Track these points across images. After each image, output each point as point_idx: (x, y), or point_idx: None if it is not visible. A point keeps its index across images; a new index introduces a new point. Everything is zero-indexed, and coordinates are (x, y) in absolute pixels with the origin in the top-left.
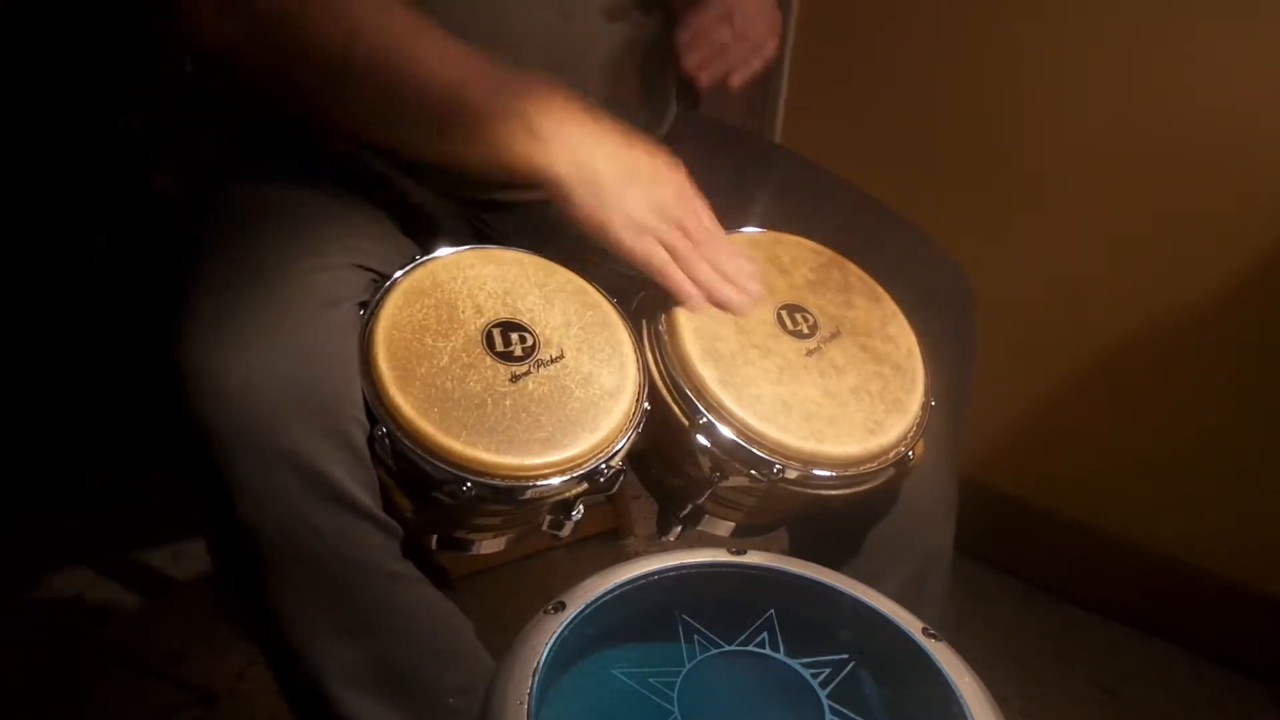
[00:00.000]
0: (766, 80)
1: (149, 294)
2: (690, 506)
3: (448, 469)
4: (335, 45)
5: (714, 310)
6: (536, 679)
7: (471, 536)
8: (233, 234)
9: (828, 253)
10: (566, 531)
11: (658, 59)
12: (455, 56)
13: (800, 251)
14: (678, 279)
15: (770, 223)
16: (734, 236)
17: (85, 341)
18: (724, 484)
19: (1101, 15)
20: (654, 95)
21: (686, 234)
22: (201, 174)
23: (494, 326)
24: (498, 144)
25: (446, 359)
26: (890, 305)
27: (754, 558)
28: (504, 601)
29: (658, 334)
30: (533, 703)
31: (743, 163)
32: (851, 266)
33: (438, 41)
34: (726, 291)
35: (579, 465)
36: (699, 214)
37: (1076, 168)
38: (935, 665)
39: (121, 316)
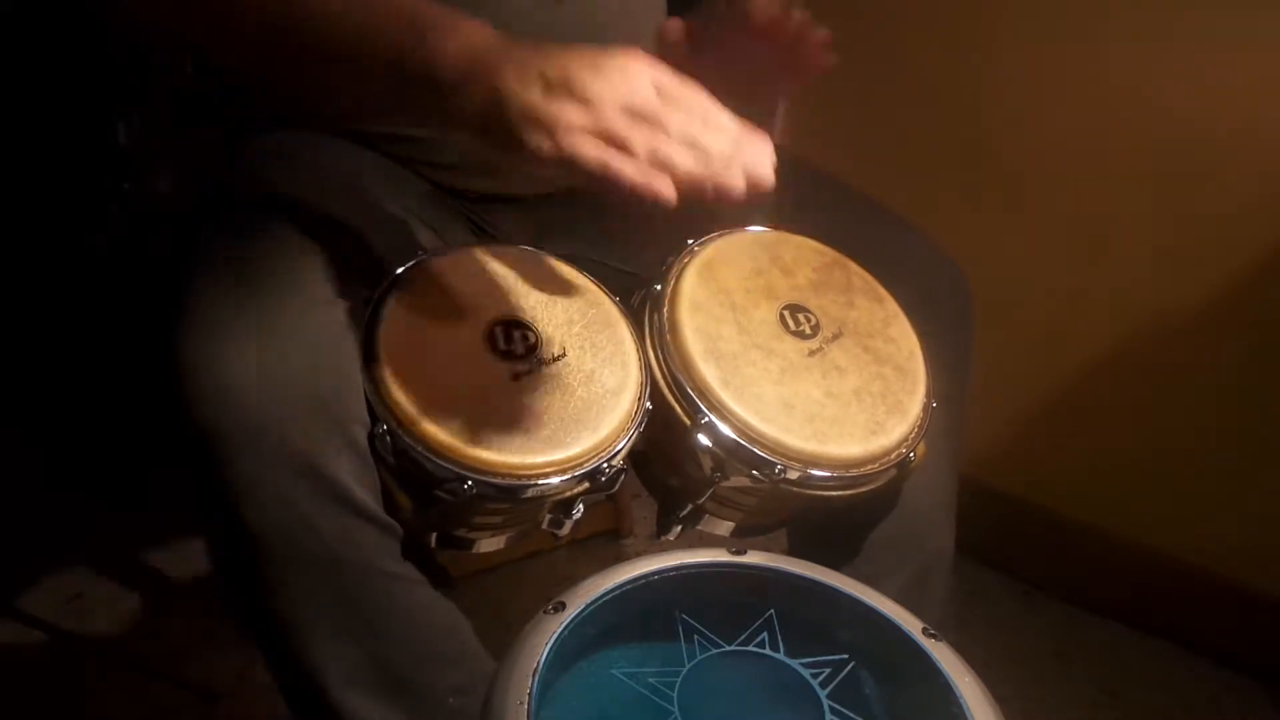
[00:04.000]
0: None
1: (149, 294)
2: (690, 506)
3: (449, 467)
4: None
5: (714, 310)
6: (536, 679)
7: (471, 535)
8: (232, 233)
9: (830, 253)
10: (566, 530)
11: (647, 49)
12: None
13: (803, 251)
14: (630, 180)
15: (769, 224)
16: (738, 234)
17: (85, 342)
18: (725, 484)
19: (1103, 16)
20: None
21: (641, 112)
22: (200, 174)
23: (496, 324)
24: (415, 96)
25: (448, 357)
26: (892, 306)
27: (754, 558)
28: (504, 601)
29: (660, 332)
30: (533, 703)
31: None
32: (854, 267)
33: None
34: (720, 178)
35: (580, 464)
36: (662, 91)
37: (1076, 169)
38: (935, 665)
39: (122, 317)
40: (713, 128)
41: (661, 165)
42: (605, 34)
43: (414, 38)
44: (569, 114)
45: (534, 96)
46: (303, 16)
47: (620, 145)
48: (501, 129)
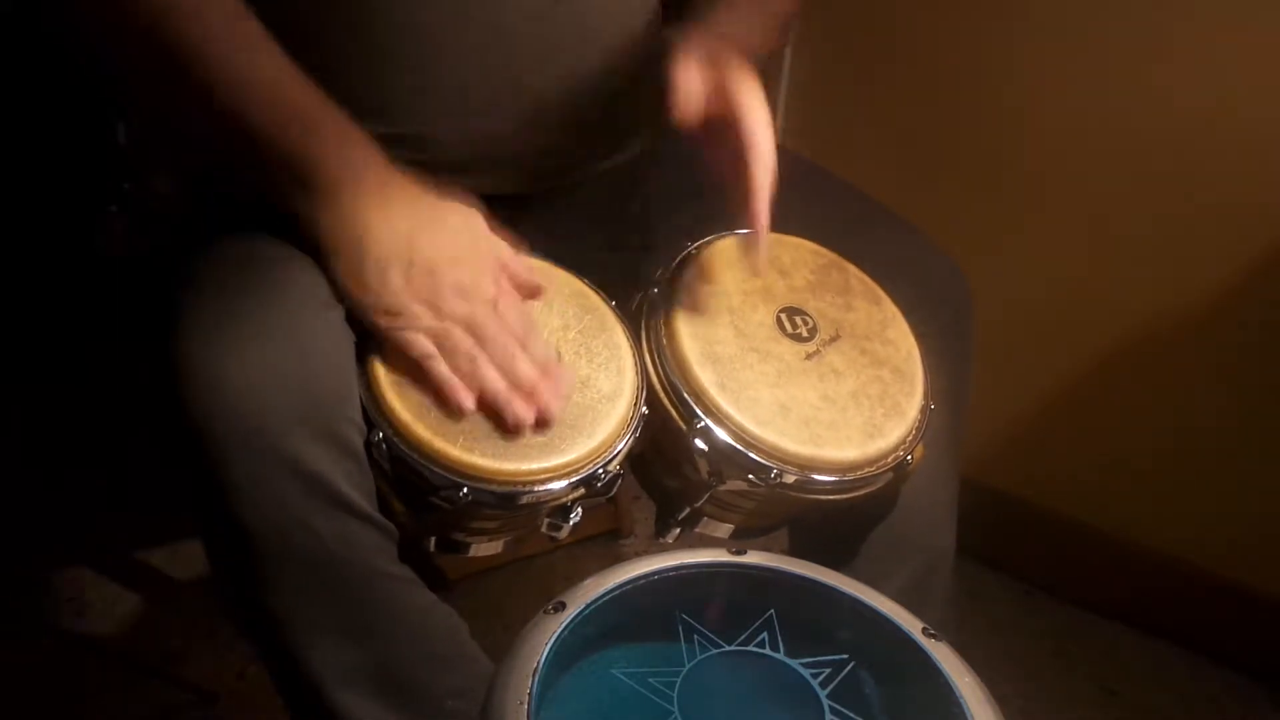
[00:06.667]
0: (766, 80)
1: (149, 294)
2: (688, 509)
3: (445, 474)
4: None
5: (711, 313)
6: (536, 679)
7: (469, 539)
8: (232, 235)
9: (828, 254)
10: (564, 533)
11: (651, 47)
12: (281, 93)
13: (801, 253)
14: (441, 378)
15: (768, 223)
16: (736, 236)
17: (85, 342)
18: (722, 487)
19: (1102, 15)
20: (645, 83)
21: (473, 330)
22: (201, 175)
23: None
24: (280, 186)
25: None
26: (890, 308)
27: (754, 558)
28: (504, 602)
29: (656, 337)
30: (533, 703)
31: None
32: (852, 268)
33: (269, 76)
34: (514, 407)
35: (576, 470)
36: (496, 308)
37: (1076, 168)
38: (935, 665)
39: (122, 317)
40: (526, 356)
41: (471, 380)
42: (598, 35)
43: (296, 136)
44: (415, 310)
45: (394, 276)
46: (203, 73)
47: (445, 349)
48: (348, 270)
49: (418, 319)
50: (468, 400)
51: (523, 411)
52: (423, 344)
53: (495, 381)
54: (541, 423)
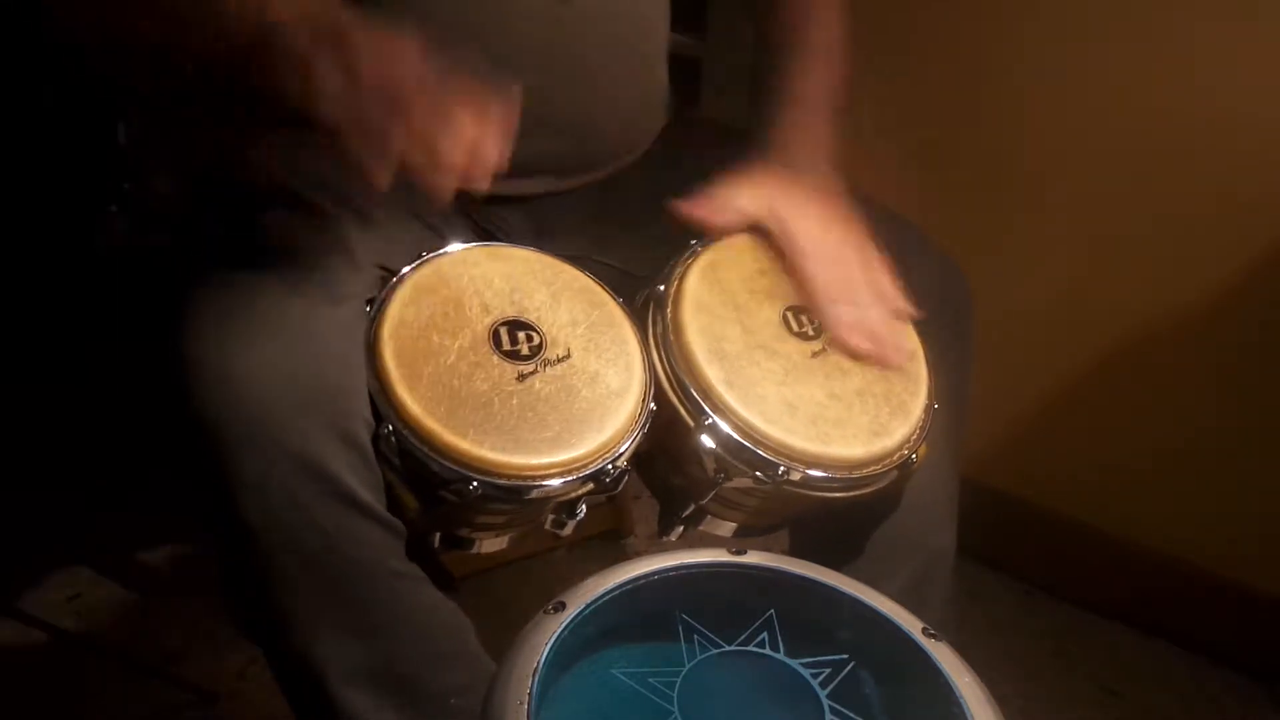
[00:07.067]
0: None
1: (149, 294)
2: (693, 507)
3: (454, 468)
4: None
5: (718, 311)
6: (536, 679)
7: (474, 535)
8: (236, 230)
9: None
10: (569, 530)
11: (654, 48)
12: None
13: None
14: (352, 155)
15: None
16: (742, 235)
17: (85, 342)
18: (728, 485)
19: (1102, 15)
20: (650, 85)
21: (392, 95)
22: (201, 175)
23: (501, 325)
24: (261, 75)
25: (453, 357)
26: None
27: (754, 558)
28: (504, 601)
29: (664, 333)
30: (533, 703)
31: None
32: None
33: None
34: (434, 176)
35: (585, 465)
36: (423, 83)
37: (1076, 168)
38: (935, 665)
39: (122, 317)
40: (452, 132)
41: (390, 153)
42: (612, 36)
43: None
44: (324, 66)
45: (321, 60)
46: None
47: (360, 121)
48: (265, 61)
49: (326, 80)
50: (383, 177)
51: (445, 185)
52: (338, 110)
53: (416, 156)
54: (466, 190)
